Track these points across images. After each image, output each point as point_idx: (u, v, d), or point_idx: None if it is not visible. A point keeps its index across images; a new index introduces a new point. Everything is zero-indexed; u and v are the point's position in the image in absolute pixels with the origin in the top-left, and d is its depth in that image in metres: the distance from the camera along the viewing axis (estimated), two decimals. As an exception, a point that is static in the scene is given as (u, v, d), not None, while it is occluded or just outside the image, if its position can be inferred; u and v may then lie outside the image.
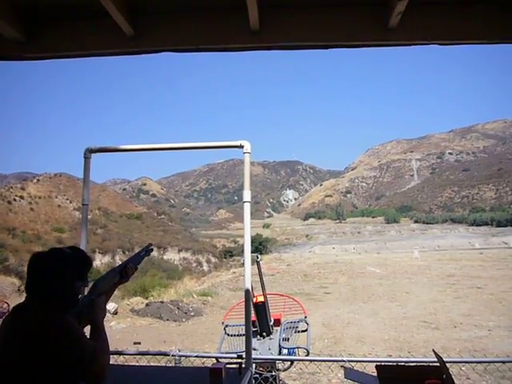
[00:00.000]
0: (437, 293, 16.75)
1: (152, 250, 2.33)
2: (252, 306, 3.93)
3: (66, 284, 1.76)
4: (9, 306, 14.36)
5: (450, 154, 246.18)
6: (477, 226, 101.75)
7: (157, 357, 3.94)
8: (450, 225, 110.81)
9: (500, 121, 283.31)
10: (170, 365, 3.63)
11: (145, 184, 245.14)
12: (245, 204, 2.97)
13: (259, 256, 3.98)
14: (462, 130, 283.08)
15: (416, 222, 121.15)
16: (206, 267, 61.53)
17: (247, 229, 2.93)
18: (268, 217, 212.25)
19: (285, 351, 4.03)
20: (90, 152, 3.22)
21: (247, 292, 2.93)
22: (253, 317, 3.96)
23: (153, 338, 11.72)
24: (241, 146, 3.06)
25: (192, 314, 15.92)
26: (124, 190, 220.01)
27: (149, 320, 15.09)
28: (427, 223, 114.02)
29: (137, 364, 3.45)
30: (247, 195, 2.97)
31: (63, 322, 1.69)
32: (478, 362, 3.60)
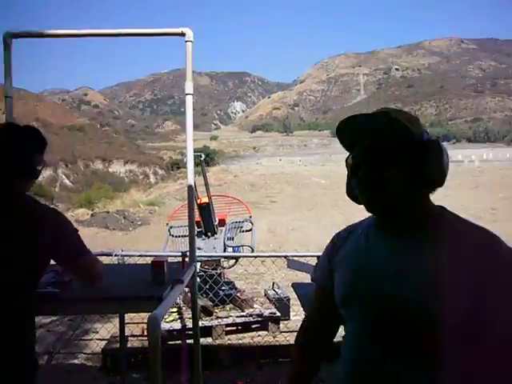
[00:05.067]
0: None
1: None
2: (196, 207, 3.89)
3: (28, 156, 1.78)
4: None
5: (396, 69, 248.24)
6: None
7: (100, 258, 3.88)
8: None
9: (446, 38, 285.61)
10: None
11: (86, 94, 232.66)
12: (187, 96, 2.77)
13: (203, 155, 3.86)
14: (410, 46, 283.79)
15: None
16: (152, 179, 60.98)
17: (189, 122, 2.77)
18: (215, 129, 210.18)
19: (230, 249, 4.09)
20: (10, 37, 2.77)
21: (190, 188, 2.84)
22: (197, 217, 3.94)
23: (99, 246, 11.60)
24: (182, 34, 2.77)
25: (139, 223, 15.95)
26: (63, 100, 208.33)
27: (94, 230, 14.99)
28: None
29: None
30: (189, 87, 2.77)
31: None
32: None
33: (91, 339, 4.40)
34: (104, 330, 4.34)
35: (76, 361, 4.01)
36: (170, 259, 3.01)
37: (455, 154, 57.46)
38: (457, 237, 1.02)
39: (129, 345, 3.69)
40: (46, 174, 53.53)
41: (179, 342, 3.81)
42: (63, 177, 56.78)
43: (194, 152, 3.85)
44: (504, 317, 0.95)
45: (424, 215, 1.09)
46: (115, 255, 3.62)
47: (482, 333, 0.96)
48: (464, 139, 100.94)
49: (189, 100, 2.79)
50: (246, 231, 4.38)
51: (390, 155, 1.05)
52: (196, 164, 3.86)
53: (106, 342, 3.99)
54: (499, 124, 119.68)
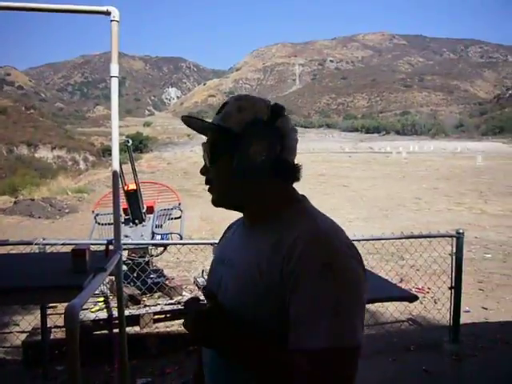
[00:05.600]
0: (308, 190, 17.66)
1: None
2: (123, 193, 3.79)
3: None
4: None
5: (331, 61, 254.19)
6: (349, 131, 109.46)
7: (19, 247, 3.70)
8: (325, 130, 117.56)
9: (379, 33, 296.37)
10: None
11: (9, 74, 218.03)
12: (112, 79, 2.68)
13: (130, 140, 3.75)
14: (345, 38, 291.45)
15: (294, 125, 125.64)
16: (83, 166, 58.60)
17: (115, 106, 2.68)
18: (149, 115, 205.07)
19: (158, 237, 4.03)
20: None
21: (115, 174, 2.76)
22: (125, 205, 3.85)
23: (23, 236, 11.06)
24: (107, 13, 2.66)
25: (67, 210, 15.32)
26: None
27: (18, 218, 14.22)
28: (305, 127, 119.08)
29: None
30: (115, 69, 2.67)
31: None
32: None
33: (10, 332, 4.19)
34: (25, 322, 4.15)
35: (-7, 354, 3.81)
36: (95, 247, 2.93)
37: (384, 145, 60.19)
38: (285, 228, 0.99)
39: (52, 336, 3.57)
40: (-37, 158, 49.79)
41: (106, 331, 3.73)
42: (-17, 162, 53.11)
43: (125, 137, 3.76)
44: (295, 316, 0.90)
45: (266, 207, 1.06)
46: (36, 244, 3.45)
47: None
48: (393, 131, 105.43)
49: (114, 82, 2.69)
50: (175, 218, 4.34)
51: (213, 147, 1.06)
52: (124, 150, 3.77)
53: (27, 334, 3.82)
54: (425, 118, 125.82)
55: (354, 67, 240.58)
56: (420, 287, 5.77)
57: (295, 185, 1.11)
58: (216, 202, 1.11)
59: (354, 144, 69.59)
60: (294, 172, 1.08)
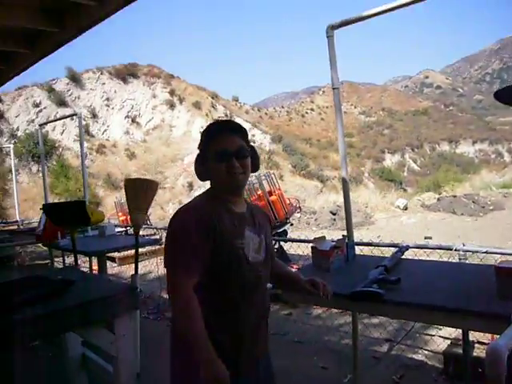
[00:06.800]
0: None
1: None
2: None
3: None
4: (298, 202, 15.47)
5: None
6: None
7: (438, 251, 3.54)
8: None
9: None
10: (454, 261, 3.14)
11: (427, 77, 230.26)
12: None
13: None
14: None
15: None
16: (507, 158, 55.17)
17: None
18: None
19: None
20: (331, 29, 2.95)
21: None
22: None
23: (446, 233, 11.22)
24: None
25: (491, 207, 14.53)
26: (406, 87, 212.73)
27: (440, 214, 14.57)
28: None
29: (414, 258, 3.13)
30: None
31: (179, 215, 1.58)
32: None
33: (433, 335, 4.11)
34: (447, 328, 3.96)
35: (415, 356, 3.79)
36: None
37: None
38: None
39: (475, 353, 3.23)
40: (394, 159, 56.21)
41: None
42: (410, 161, 58.15)
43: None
44: None
45: None
46: (455, 250, 3.15)
47: None
48: None
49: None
50: None
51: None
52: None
53: (448, 341, 3.63)
54: None
55: None
56: None
57: None
58: None
59: None
60: None
